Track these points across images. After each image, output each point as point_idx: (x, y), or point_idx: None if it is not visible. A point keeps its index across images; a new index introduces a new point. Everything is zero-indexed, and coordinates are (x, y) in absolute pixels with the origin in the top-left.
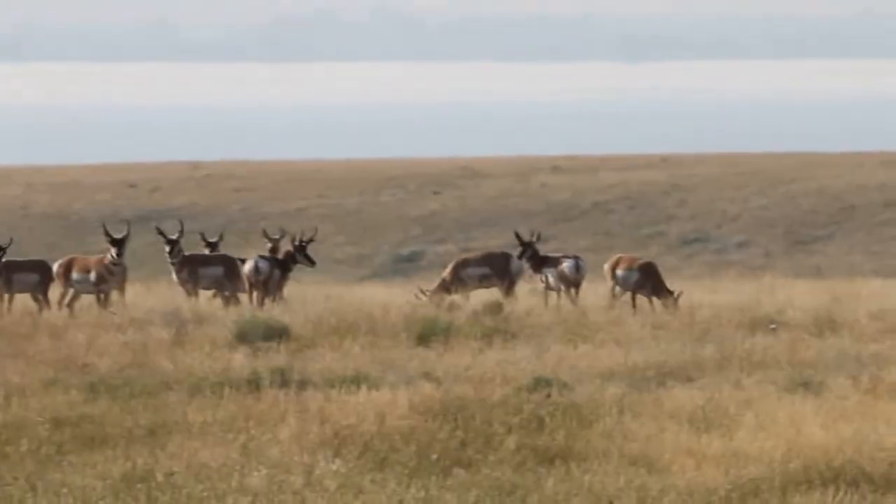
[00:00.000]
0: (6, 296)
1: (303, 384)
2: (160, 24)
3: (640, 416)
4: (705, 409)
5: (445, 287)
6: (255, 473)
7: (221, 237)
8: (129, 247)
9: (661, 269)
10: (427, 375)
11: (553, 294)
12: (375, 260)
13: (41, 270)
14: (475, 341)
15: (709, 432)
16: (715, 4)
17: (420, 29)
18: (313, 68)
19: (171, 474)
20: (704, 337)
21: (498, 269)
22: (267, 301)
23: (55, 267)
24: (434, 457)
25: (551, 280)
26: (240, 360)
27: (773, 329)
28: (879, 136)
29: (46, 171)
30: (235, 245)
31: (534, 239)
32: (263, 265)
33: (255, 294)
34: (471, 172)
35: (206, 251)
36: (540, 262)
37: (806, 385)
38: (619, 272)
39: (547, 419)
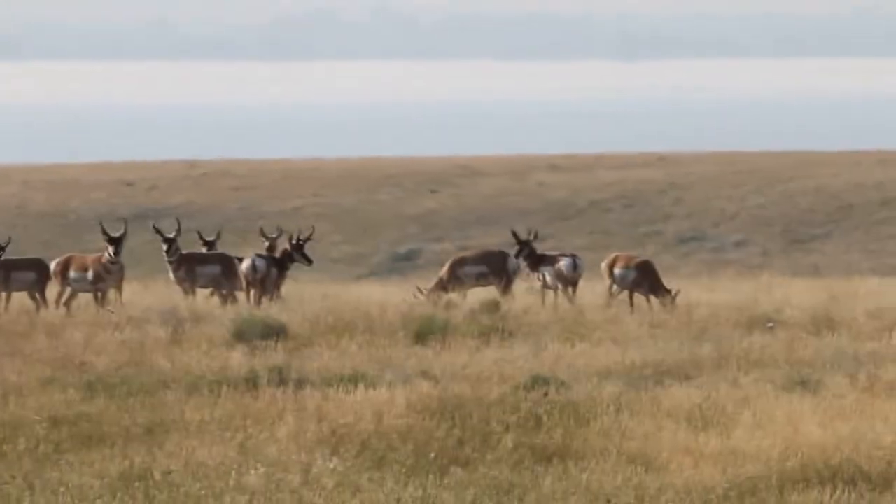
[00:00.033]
0: (3, 294)
1: (300, 383)
2: (159, 23)
3: (637, 414)
4: (703, 407)
5: (443, 286)
6: (253, 472)
7: (219, 236)
8: (127, 245)
9: (658, 268)
10: (424, 374)
11: (550, 292)
12: (373, 259)
13: (38, 269)
14: (472, 340)
15: (706, 431)
16: (713, 3)
17: (418, 28)
18: (312, 67)
19: (169, 473)
20: (702, 335)
21: (495, 268)
22: (264, 300)
23: (52, 265)
24: (432, 455)
25: (548, 278)
26: (237, 358)
27: (771, 328)
28: (877, 134)
29: (43, 169)
30: (233, 244)
31: (531, 237)
32: (261, 264)
33: (252, 293)
34: (468, 171)
35: (204, 250)
36: (537, 261)
37: (803, 384)
38: (617, 271)
39: (544, 418)
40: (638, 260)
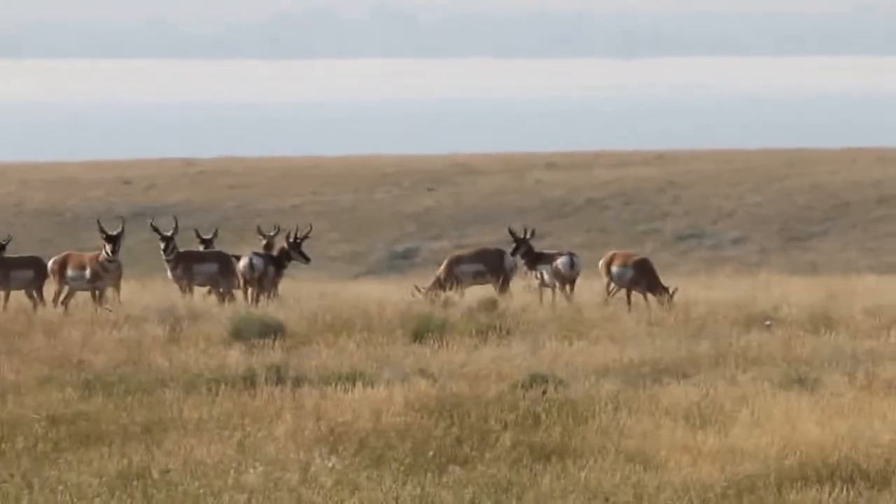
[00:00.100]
0: (2, 293)
1: (298, 381)
2: (158, 21)
3: (635, 412)
4: (701, 405)
5: (440, 284)
6: (251, 470)
7: (216, 234)
8: (124, 244)
9: (655, 266)
10: (422, 372)
11: (548, 291)
12: (370, 257)
13: (36, 267)
14: (470, 338)
15: (704, 429)
16: (712, 1)
17: (417, 27)
18: (310, 65)
19: (167, 471)
20: (700, 333)
21: (492, 266)
22: (262, 298)
23: (50, 264)
24: (430, 454)
25: (546, 277)
26: (235, 357)
27: (769, 325)
28: (875, 132)
29: (41, 167)
30: (230, 242)
31: (527, 236)
32: (258, 262)
33: (249, 291)
34: (466, 169)
35: (201, 248)
36: (535, 259)
37: (801, 381)
38: (614, 269)
39: (543, 416)
40: (636, 258)
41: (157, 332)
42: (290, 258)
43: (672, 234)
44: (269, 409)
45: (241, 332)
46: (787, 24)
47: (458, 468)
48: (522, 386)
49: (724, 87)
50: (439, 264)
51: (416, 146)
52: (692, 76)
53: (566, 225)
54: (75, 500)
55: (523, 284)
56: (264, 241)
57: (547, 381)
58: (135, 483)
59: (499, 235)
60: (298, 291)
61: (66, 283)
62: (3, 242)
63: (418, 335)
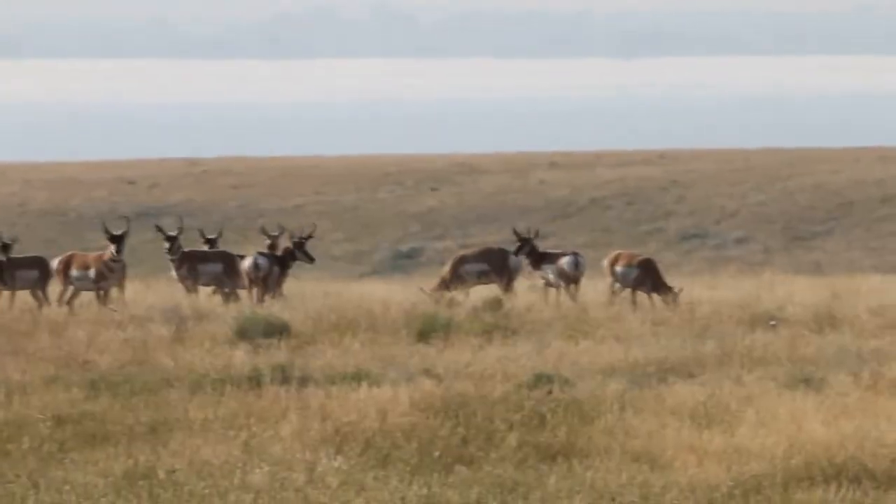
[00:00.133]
0: (7, 293)
1: (304, 381)
2: (160, 21)
3: (641, 412)
4: (706, 405)
5: (445, 285)
6: (257, 470)
7: (220, 234)
8: (128, 244)
9: (660, 266)
10: (428, 372)
11: (553, 290)
12: (374, 256)
13: (41, 267)
14: (475, 338)
15: (710, 428)
16: (712, 1)
17: (418, 26)
18: (311, 65)
19: (173, 471)
20: (705, 333)
21: (496, 266)
22: (266, 298)
23: (54, 263)
24: (436, 454)
25: (551, 276)
26: (240, 356)
27: (773, 325)
28: (877, 131)
29: (44, 167)
30: (234, 242)
31: (531, 235)
32: (262, 262)
33: (254, 291)
34: (468, 169)
35: (206, 248)
36: (539, 259)
37: (806, 381)
38: (619, 268)
39: (548, 416)
40: (640, 258)
41: (162, 332)
42: (294, 258)
43: (675, 234)
44: (275, 409)
45: (246, 332)
46: (787, 23)
47: (463, 468)
48: (528, 386)
49: (724, 86)
50: (443, 264)
51: (417, 146)
52: (693, 75)
53: (570, 225)
54: (81, 500)
55: (528, 284)
56: (268, 241)
57: (552, 381)
58: (141, 483)
59: (503, 235)
60: (302, 291)
61: (71, 283)
62: (9, 242)
63: (423, 335)
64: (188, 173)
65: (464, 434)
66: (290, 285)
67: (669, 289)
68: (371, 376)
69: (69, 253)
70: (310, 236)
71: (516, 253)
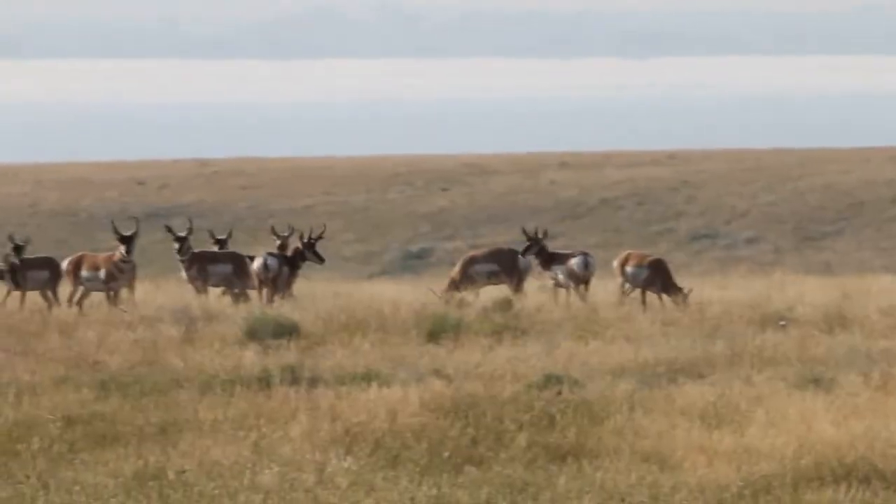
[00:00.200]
0: (19, 293)
1: (313, 381)
2: (169, 21)
3: (651, 412)
4: (716, 405)
5: (455, 285)
6: (267, 471)
7: (230, 234)
8: (139, 244)
9: (670, 266)
10: (437, 372)
11: (563, 291)
12: (384, 257)
13: (51, 267)
14: (485, 338)
15: (720, 429)
16: (712, 1)
17: (425, 26)
18: (319, 65)
19: (183, 472)
20: (715, 333)
21: (506, 266)
22: (276, 298)
23: (64, 264)
24: (446, 454)
25: (561, 277)
26: (250, 357)
27: (784, 325)
28: (888, 131)
29: (55, 168)
30: (244, 242)
31: (539, 236)
32: (272, 262)
33: (264, 291)
34: (479, 169)
35: (215, 248)
36: (549, 259)
37: (817, 382)
38: (629, 269)
39: (558, 416)
40: (650, 258)
41: (171, 332)
42: (304, 258)
43: (686, 234)
44: (285, 410)
45: (255, 333)
46: (795, 23)
47: (473, 469)
48: (538, 386)
49: (731, 85)
50: (454, 264)
51: (425, 146)
52: (701, 75)
53: (580, 225)
54: (91, 500)
55: (538, 284)
56: (278, 242)
57: (562, 382)
58: (150, 484)
59: (513, 235)
60: (313, 291)
61: (81, 284)
62: (22, 243)
63: (433, 335)
64: (198, 174)
65: (473, 434)
66: (300, 286)
67: (679, 289)
68: (381, 377)
69: (79, 253)
70: (320, 237)
71: (523, 253)
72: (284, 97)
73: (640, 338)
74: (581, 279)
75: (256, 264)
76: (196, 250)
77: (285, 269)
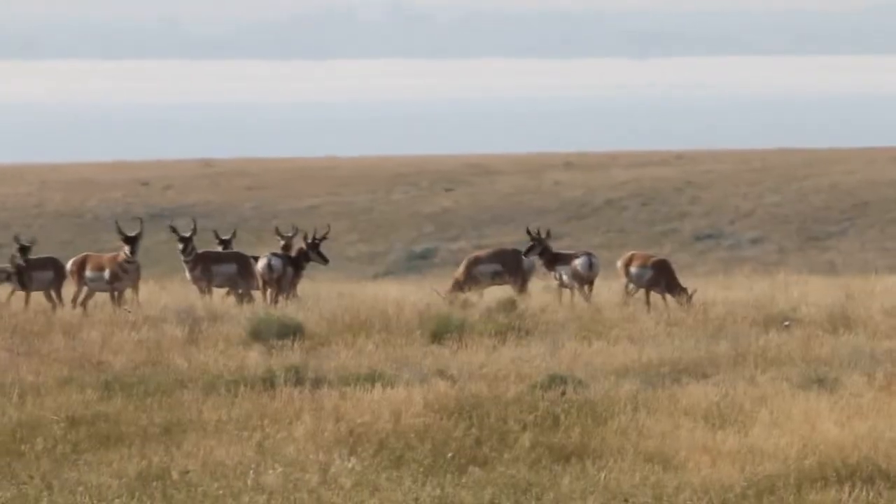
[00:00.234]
0: (24, 294)
1: (317, 382)
2: (175, 22)
3: (655, 412)
4: (720, 405)
5: (459, 286)
6: (271, 471)
7: (234, 235)
8: (143, 245)
9: (674, 266)
10: (441, 373)
11: (567, 291)
12: (388, 257)
13: (55, 268)
14: (489, 339)
15: (724, 429)
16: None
17: (432, 27)
18: (326, 66)
19: (187, 472)
20: (718, 333)
21: (510, 266)
22: (280, 299)
23: (69, 265)
24: (449, 454)
25: (565, 277)
26: (254, 357)
27: (787, 326)
28: (892, 132)
29: (60, 169)
30: (248, 243)
31: (542, 236)
32: (277, 263)
33: (268, 292)
34: (482, 170)
35: (220, 249)
36: (553, 260)
37: (820, 382)
38: (633, 269)
39: (562, 416)
40: (655, 259)
41: (176, 332)
42: (308, 259)
43: (690, 235)
44: (289, 410)
45: (260, 333)
46: (802, 24)
47: (477, 469)
48: (541, 386)
49: (739, 86)
50: (458, 265)
51: (429, 147)
52: (707, 75)
53: (584, 225)
54: (95, 501)
55: (542, 285)
56: (283, 242)
57: (566, 382)
58: (154, 484)
59: (517, 236)
60: (317, 292)
61: (85, 285)
62: (28, 244)
63: (437, 336)
64: (202, 174)
65: (477, 435)
66: (304, 286)
67: (683, 290)
68: (385, 377)
69: (84, 254)
70: (324, 237)
71: (525, 254)
72: (287, 97)
73: (644, 338)
74: (585, 279)
75: (261, 265)
76: (200, 251)
77: (289, 270)
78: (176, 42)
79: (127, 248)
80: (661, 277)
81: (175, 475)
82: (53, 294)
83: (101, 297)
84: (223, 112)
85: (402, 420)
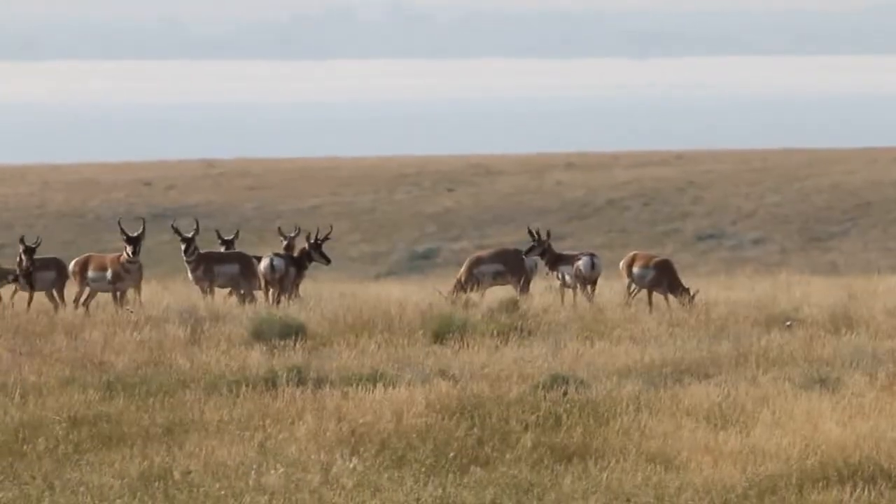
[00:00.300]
0: (27, 294)
1: (319, 382)
2: (177, 22)
3: (657, 413)
4: (722, 405)
5: (461, 286)
6: (273, 472)
7: (237, 235)
8: (145, 245)
9: (676, 267)
10: (443, 373)
11: (569, 291)
12: (391, 257)
13: (58, 268)
14: (491, 339)
15: (726, 429)
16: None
17: (433, 27)
18: (327, 66)
19: (189, 473)
20: (721, 334)
21: (512, 266)
22: (283, 299)
23: (71, 265)
24: (451, 455)
25: (567, 278)
26: (256, 358)
27: (789, 326)
28: (893, 132)
29: (62, 169)
30: (250, 243)
31: (544, 237)
32: (279, 263)
33: (270, 292)
34: (484, 170)
35: (222, 249)
36: (555, 260)
37: (822, 382)
38: (635, 269)
39: (564, 417)
40: (657, 259)
41: (178, 333)
42: (310, 259)
43: (692, 235)
44: (291, 411)
45: (262, 333)
46: (803, 23)
47: (479, 469)
48: (543, 387)
49: (740, 86)
50: (460, 265)
51: (431, 147)
52: (709, 75)
53: (586, 226)
54: (97, 501)
55: (544, 285)
56: (285, 242)
57: (568, 382)
58: (156, 484)
59: (519, 236)
60: (319, 292)
61: (88, 285)
62: (33, 245)
63: (439, 336)
64: (205, 175)
65: (479, 435)
66: (306, 286)
67: (686, 290)
68: (387, 377)
69: (86, 254)
70: (326, 237)
71: (526, 254)
72: (288, 97)
73: (647, 338)
74: (587, 280)
75: (263, 265)
76: (203, 251)
77: (292, 270)
78: (176, 42)
79: (129, 249)
80: (664, 278)
81: (177, 475)
82: (56, 294)
83: (104, 297)
84: (224, 112)
85: (404, 420)
